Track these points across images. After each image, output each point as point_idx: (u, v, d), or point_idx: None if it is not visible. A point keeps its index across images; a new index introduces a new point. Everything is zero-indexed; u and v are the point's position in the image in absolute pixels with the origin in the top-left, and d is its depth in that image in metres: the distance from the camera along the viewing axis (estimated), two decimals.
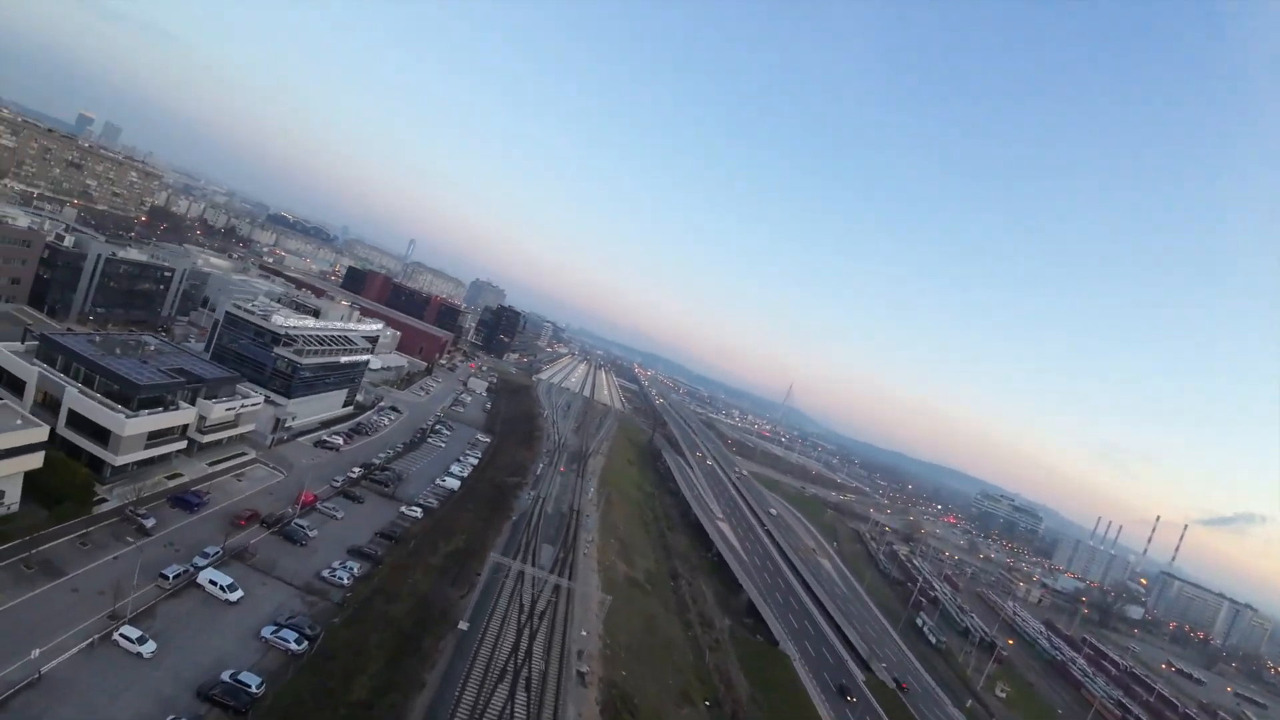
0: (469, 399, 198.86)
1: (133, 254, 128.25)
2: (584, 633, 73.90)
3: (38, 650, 42.78)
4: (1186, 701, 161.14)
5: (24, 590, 48.69)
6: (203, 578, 57.14)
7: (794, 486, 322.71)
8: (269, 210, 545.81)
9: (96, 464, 66.66)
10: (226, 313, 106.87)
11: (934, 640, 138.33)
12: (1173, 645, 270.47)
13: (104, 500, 63.50)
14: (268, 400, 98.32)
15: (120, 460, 67.20)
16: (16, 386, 66.81)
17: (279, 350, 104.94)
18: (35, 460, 56.13)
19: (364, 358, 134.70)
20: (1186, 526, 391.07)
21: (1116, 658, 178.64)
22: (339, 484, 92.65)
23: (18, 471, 55.39)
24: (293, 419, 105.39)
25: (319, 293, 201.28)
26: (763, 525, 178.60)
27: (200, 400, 79.74)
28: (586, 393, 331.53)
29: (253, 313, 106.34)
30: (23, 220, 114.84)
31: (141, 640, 47.13)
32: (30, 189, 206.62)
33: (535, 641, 67.50)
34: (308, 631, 55.60)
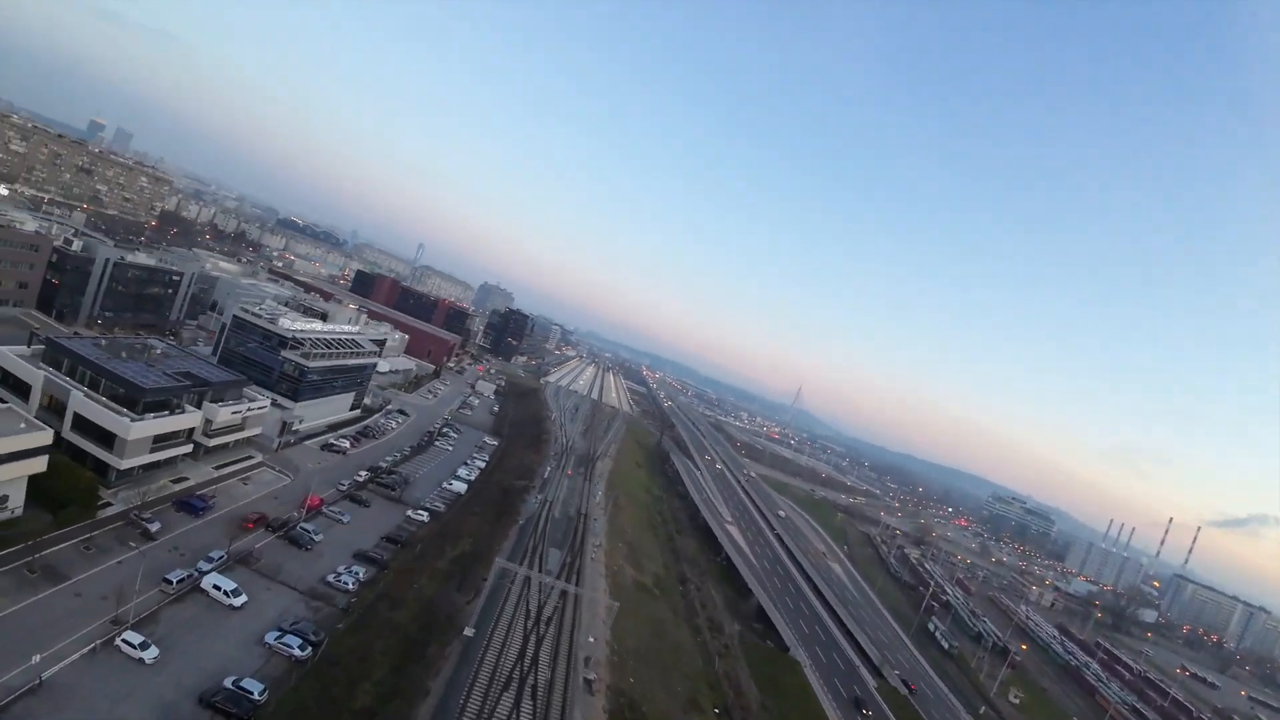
0: (477, 402, 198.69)
1: (141, 258, 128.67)
2: (591, 639, 72.87)
3: (39, 656, 42.27)
4: (1201, 706, 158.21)
5: (26, 595, 48.31)
6: (206, 583, 56.74)
7: (803, 489, 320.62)
8: (278, 215, 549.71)
9: (102, 468, 66.41)
10: (234, 316, 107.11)
11: (946, 645, 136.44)
12: (1186, 649, 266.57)
13: (108, 504, 63.23)
14: (274, 403, 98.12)
15: (125, 464, 66.86)
16: (23, 390, 66.81)
17: (286, 353, 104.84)
18: (39, 464, 55.88)
19: (371, 361, 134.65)
20: (1200, 528, 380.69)
21: (1130, 662, 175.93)
22: (345, 488, 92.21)
23: (22, 475, 55.15)
24: (300, 422, 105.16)
25: (327, 296, 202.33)
26: (772, 529, 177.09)
27: (206, 404, 79.38)
28: (594, 396, 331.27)
29: (260, 316, 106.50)
30: (30, 224, 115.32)
31: (144, 646, 46.69)
32: (41, 194, 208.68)
33: (541, 648, 66.60)
34: (311, 637, 55.01)
